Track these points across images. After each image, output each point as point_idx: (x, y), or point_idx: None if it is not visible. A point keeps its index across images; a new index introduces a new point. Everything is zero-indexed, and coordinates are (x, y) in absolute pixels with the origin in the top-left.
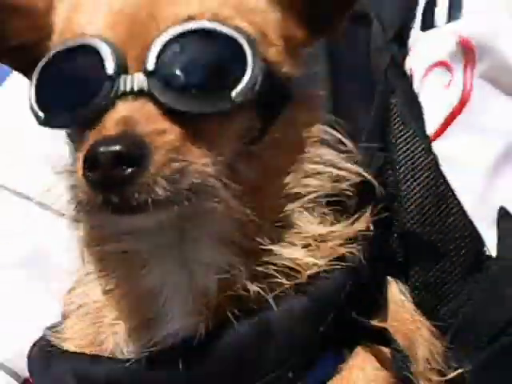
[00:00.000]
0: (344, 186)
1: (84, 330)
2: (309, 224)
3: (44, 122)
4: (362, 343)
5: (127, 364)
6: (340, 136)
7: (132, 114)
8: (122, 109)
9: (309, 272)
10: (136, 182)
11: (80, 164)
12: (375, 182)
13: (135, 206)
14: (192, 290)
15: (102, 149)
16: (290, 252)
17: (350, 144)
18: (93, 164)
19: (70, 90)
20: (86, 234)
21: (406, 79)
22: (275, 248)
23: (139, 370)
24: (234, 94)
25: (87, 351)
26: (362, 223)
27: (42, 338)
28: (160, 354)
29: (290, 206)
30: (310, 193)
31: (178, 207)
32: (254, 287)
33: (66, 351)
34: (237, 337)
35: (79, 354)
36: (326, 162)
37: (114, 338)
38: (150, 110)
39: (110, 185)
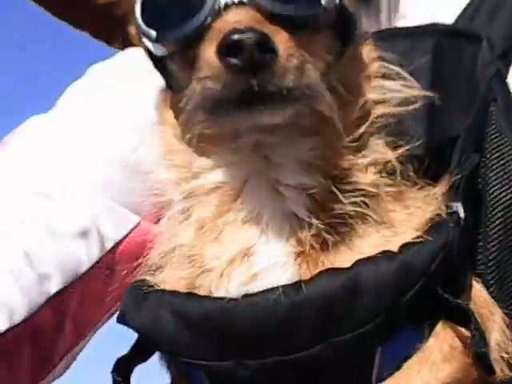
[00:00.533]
0: (410, 108)
1: (177, 272)
2: (381, 149)
3: (156, 40)
4: (442, 320)
5: (223, 301)
6: (399, 69)
7: (242, 18)
8: (231, 16)
9: (402, 242)
10: (272, 67)
11: (214, 55)
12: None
13: (269, 94)
14: (286, 215)
15: (245, 35)
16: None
17: (407, 75)
18: (234, 50)
19: (175, 9)
20: (176, 171)
21: (508, 92)
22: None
23: (234, 307)
24: (323, 1)
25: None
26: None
27: (138, 281)
28: (254, 294)
29: (361, 129)
30: (377, 118)
31: (299, 104)
32: (346, 207)
33: (163, 290)
34: (328, 288)
35: (175, 292)
36: (389, 90)
37: (210, 277)
38: (257, 16)
39: (252, 69)
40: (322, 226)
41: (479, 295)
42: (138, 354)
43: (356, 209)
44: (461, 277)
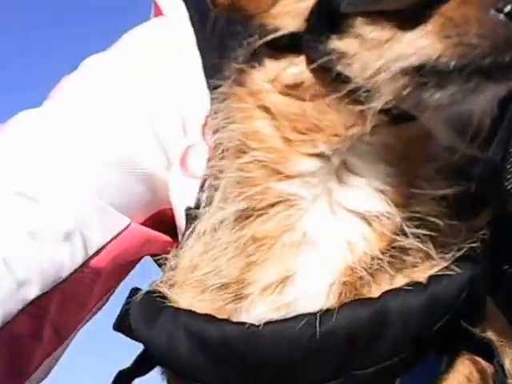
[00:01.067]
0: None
1: (201, 295)
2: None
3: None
4: (462, 352)
5: (243, 327)
6: None
7: None
8: None
9: (430, 272)
10: None
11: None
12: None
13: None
14: (342, 244)
15: None
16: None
17: None
18: None
19: None
20: (259, 169)
21: None
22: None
23: (256, 334)
24: None
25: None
26: (485, 217)
27: (150, 292)
28: (278, 321)
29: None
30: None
31: None
32: (407, 240)
33: (178, 308)
34: (354, 319)
35: (192, 312)
36: None
37: (241, 304)
38: None
39: None
40: (377, 259)
41: (496, 320)
42: (139, 368)
43: (417, 244)
44: (482, 306)
